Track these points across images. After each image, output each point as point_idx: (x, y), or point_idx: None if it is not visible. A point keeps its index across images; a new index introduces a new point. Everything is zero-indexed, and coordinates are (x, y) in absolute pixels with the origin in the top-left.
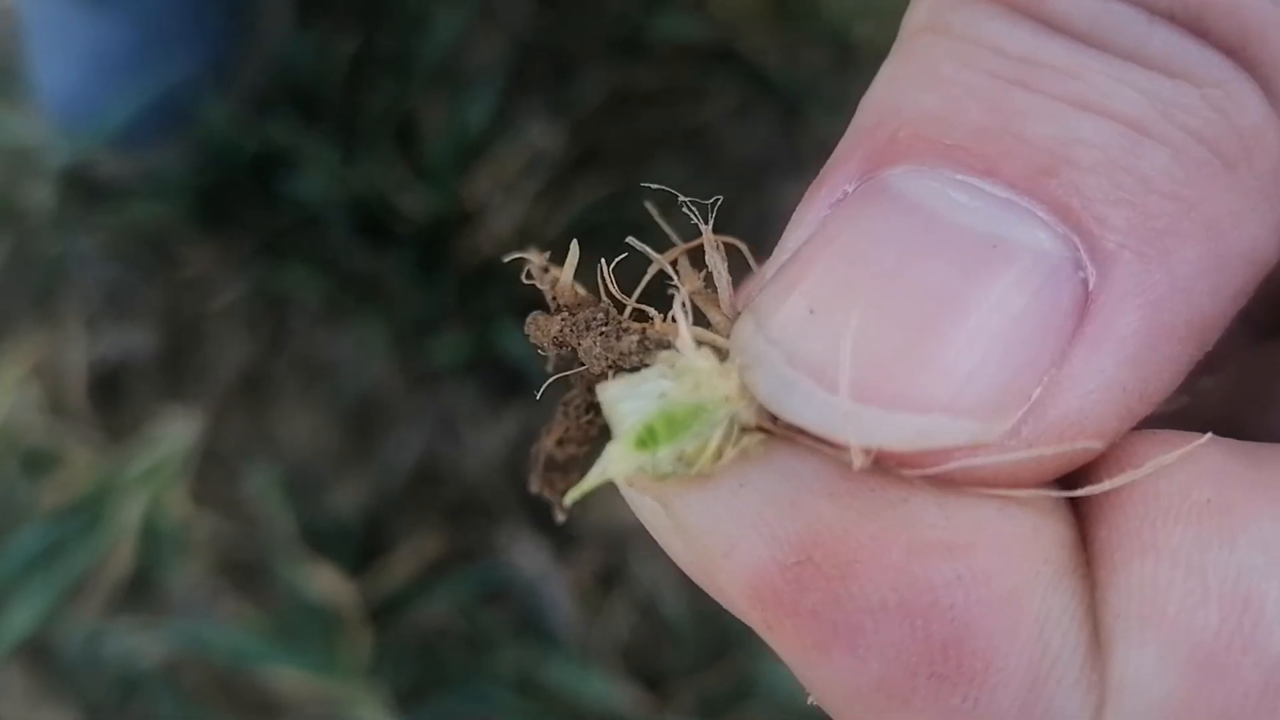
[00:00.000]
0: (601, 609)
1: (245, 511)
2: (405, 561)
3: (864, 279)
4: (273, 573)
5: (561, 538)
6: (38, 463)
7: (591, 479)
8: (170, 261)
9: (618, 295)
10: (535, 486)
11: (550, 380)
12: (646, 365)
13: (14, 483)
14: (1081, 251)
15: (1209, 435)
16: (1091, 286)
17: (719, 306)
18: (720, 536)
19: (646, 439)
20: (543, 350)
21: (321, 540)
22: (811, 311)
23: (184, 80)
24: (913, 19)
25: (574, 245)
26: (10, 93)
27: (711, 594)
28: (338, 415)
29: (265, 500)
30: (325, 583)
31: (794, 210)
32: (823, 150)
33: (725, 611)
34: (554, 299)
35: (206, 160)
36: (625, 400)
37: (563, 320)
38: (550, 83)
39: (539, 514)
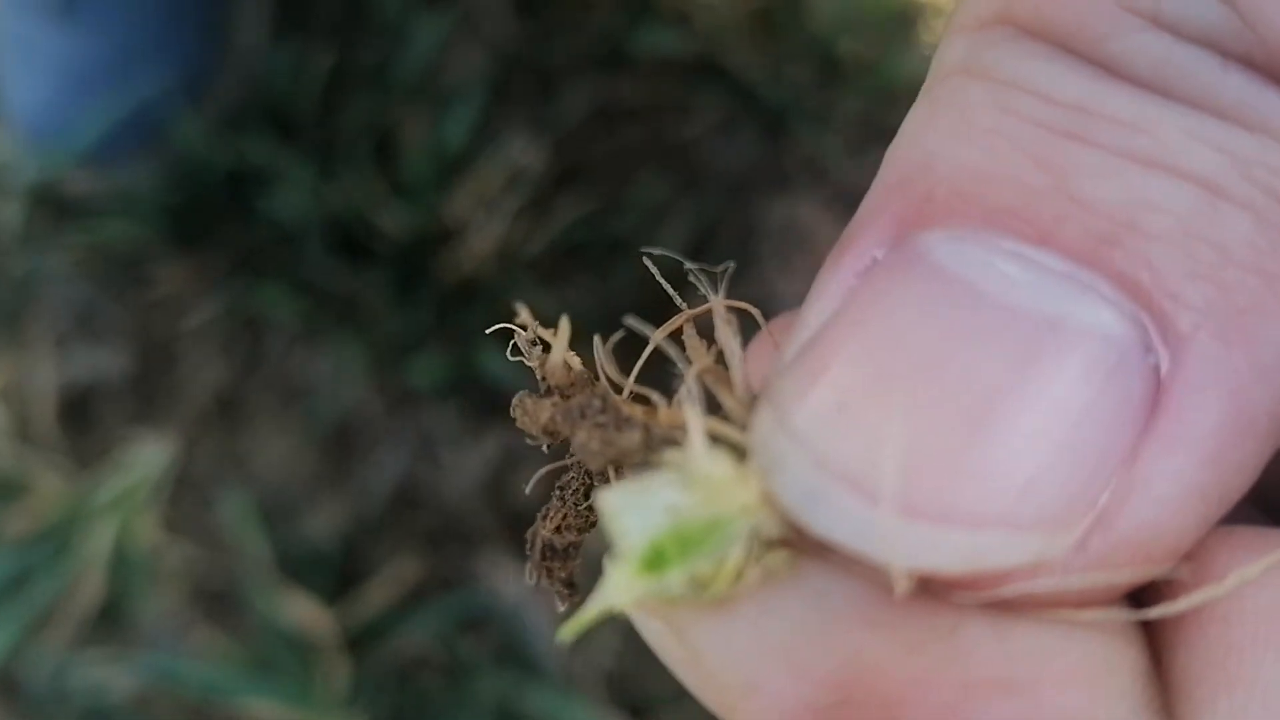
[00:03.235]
0: (585, 636)
1: (218, 539)
2: (383, 588)
3: (901, 369)
4: (247, 601)
5: None
6: (4, 489)
7: (593, 609)
8: (142, 281)
9: (614, 377)
10: (532, 576)
11: (545, 470)
12: (650, 463)
13: None
14: (1152, 333)
15: None
16: (1164, 374)
17: (731, 390)
18: (742, 672)
19: (655, 561)
20: (533, 439)
21: (297, 567)
22: (842, 407)
23: (157, 96)
24: (945, 59)
25: (564, 322)
26: None
27: None
28: (314, 438)
29: (239, 527)
30: (301, 611)
31: (817, 278)
32: (808, 165)
33: None
34: (543, 379)
35: (179, 177)
36: (628, 513)
37: (554, 405)
38: (532, 98)
39: (520, 539)
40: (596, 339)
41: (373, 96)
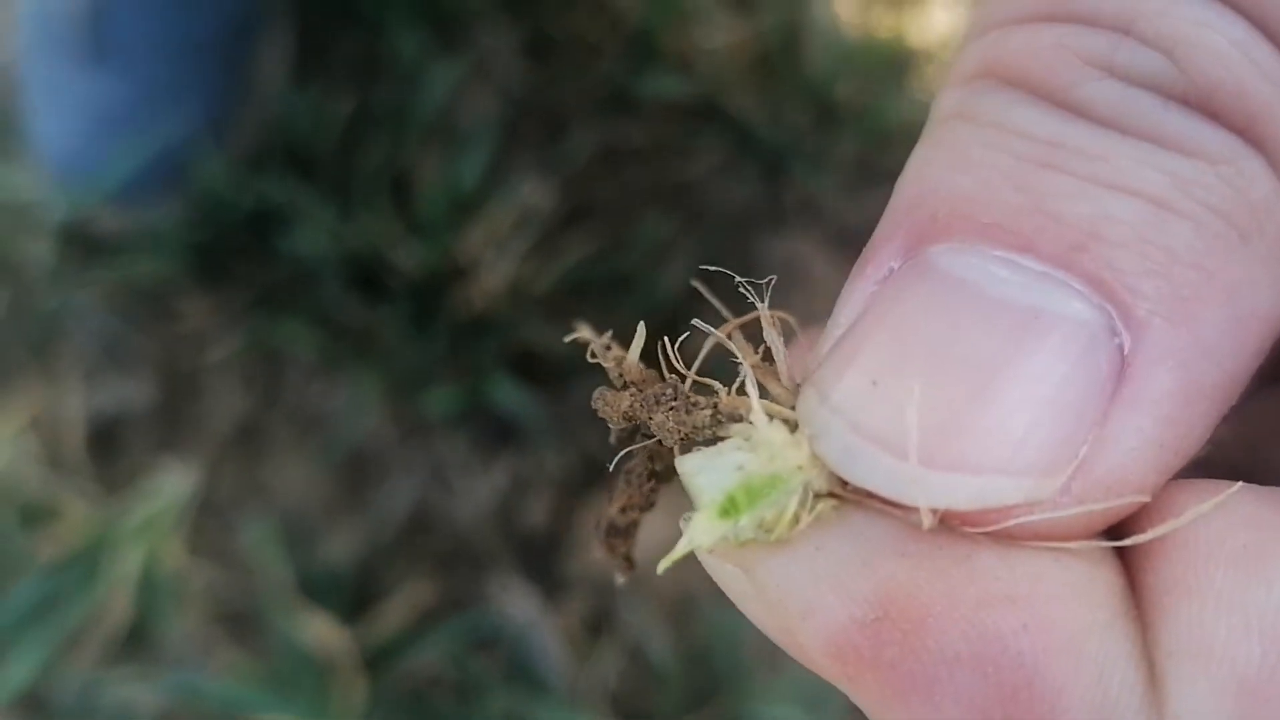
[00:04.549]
0: (590, 655)
1: (240, 562)
2: (398, 610)
3: (918, 351)
4: (267, 622)
5: (550, 585)
6: (35, 515)
7: (680, 549)
8: (167, 315)
9: (680, 370)
10: (599, 552)
11: (620, 454)
12: (719, 438)
13: (11, 535)
14: (1116, 319)
15: (1240, 484)
16: (1127, 351)
17: (778, 379)
18: (800, 598)
19: (729, 509)
20: (612, 424)
21: (315, 590)
22: (874, 383)
23: (181, 137)
24: (942, 106)
25: (640, 327)
26: (9, 148)
27: (792, 654)
28: (331, 466)
29: (260, 550)
30: (319, 632)
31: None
32: (805, 205)
33: (713, 655)
34: (620, 376)
35: (203, 216)
36: (704, 472)
37: (632, 396)
38: (541, 140)
39: (528, 562)
40: (664, 340)
41: (389, 138)
